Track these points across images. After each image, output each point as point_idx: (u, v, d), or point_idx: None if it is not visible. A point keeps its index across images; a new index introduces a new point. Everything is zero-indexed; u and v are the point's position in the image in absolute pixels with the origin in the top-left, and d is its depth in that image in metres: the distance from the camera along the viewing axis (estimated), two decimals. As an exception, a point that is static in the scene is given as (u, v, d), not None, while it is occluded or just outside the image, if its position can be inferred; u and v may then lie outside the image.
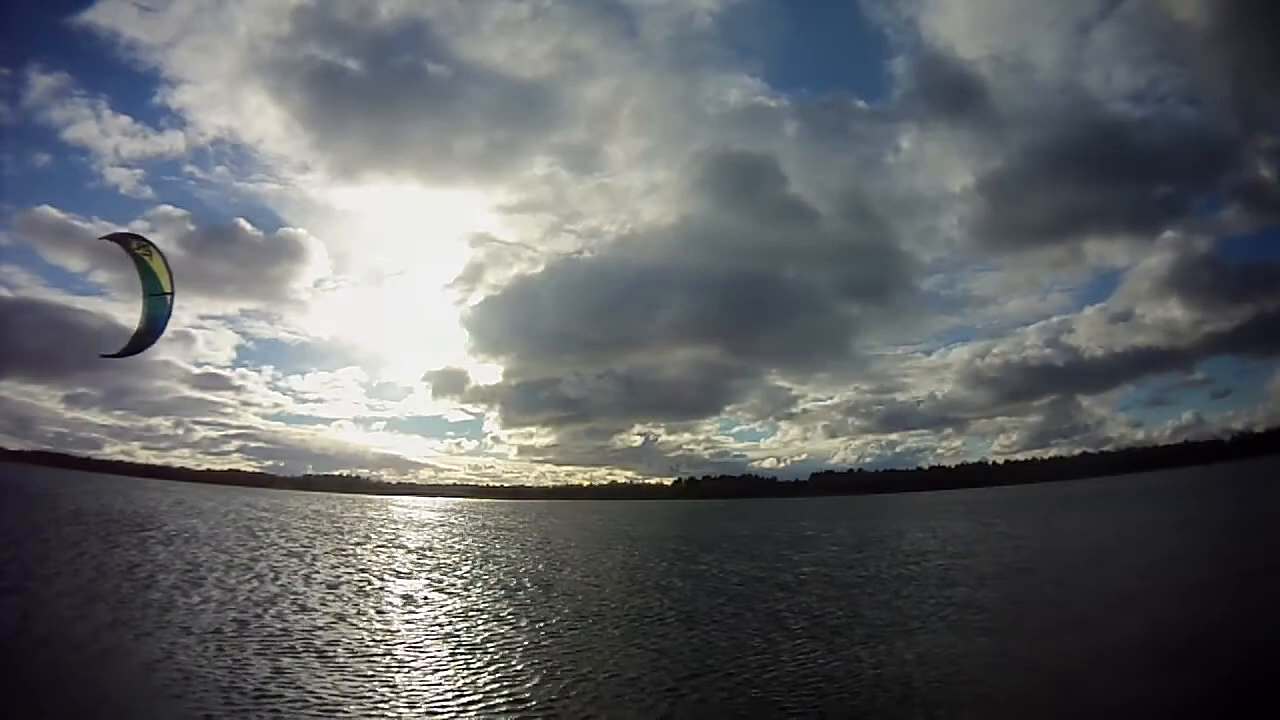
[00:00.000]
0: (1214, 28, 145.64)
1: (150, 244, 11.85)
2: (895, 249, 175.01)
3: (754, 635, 12.32)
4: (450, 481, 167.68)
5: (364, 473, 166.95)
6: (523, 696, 8.97)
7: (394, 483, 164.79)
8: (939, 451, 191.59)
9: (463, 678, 9.74)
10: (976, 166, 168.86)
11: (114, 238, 12.43)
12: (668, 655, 11.05)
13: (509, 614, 14.21)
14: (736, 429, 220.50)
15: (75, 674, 9.33)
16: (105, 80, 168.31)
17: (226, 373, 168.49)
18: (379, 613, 14.07)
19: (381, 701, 8.66)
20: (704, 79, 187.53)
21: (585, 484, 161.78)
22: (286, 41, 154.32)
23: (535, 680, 9.63)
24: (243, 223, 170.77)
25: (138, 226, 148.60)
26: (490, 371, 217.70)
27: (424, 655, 10.86)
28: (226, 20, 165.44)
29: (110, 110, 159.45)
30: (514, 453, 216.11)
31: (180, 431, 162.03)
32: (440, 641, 11.78)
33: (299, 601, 14.78)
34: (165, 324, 12.07)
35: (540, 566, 22.70)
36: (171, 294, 11.60)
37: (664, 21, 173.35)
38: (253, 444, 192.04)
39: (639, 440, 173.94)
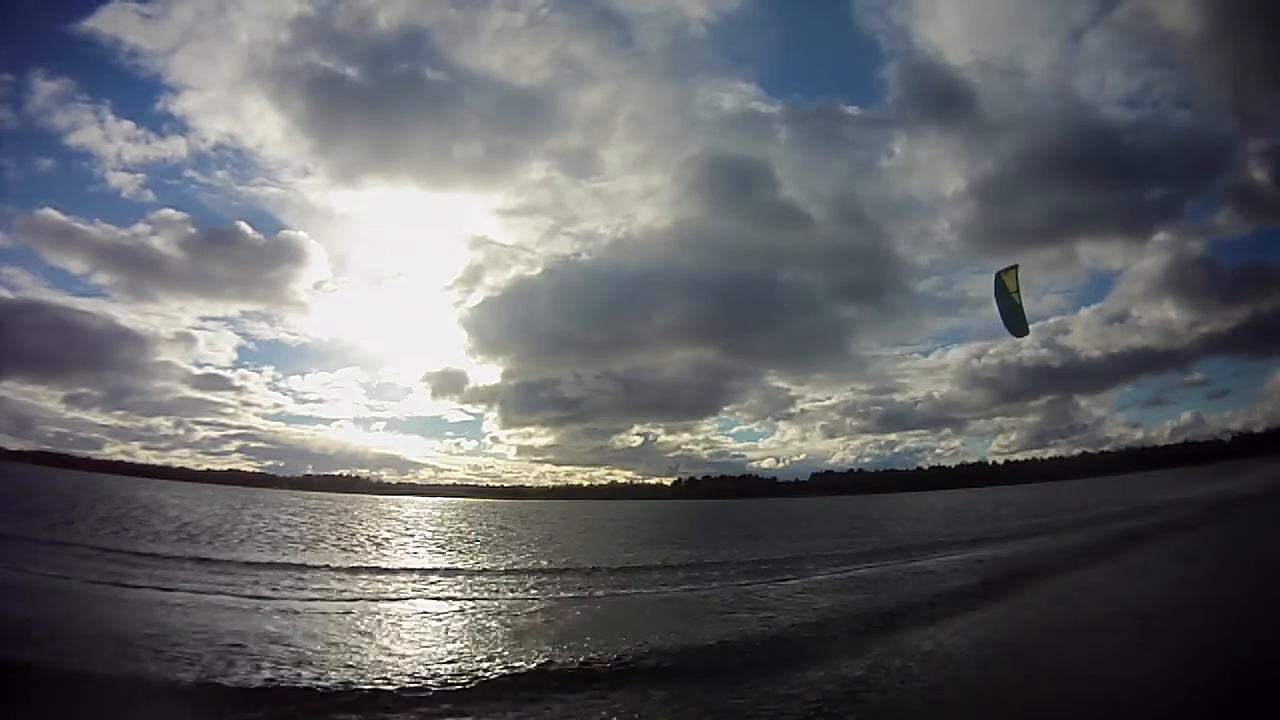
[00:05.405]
0: (1206, 32, 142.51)
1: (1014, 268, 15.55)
2: (890, 252, 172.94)
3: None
4: (450, 481, 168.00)
5: (364, 473, 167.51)
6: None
7: (394, 483, 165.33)
8: (938, 451, 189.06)
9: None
10: (969, 170, 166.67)
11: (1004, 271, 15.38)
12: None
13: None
14: (735, 429, 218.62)
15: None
16: (108, 86, 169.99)
17: (227, 373, 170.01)
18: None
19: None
20: (698, 85, 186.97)
21: (585, 484, 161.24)
22: (287, 49, 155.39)
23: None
24: (244, 226, 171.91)
25: (139, 230, 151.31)
26: (489, 372, 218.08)
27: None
28: (227, 27, 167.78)
29: (113, 116, 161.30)
30: (513, 453, 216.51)
31: (181, 432, 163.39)
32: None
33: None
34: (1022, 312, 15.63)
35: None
36: (1017, 292, 15.36)
37: (659, 29, 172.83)
38: (253, 444, 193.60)
39: (638, 440, 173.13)
